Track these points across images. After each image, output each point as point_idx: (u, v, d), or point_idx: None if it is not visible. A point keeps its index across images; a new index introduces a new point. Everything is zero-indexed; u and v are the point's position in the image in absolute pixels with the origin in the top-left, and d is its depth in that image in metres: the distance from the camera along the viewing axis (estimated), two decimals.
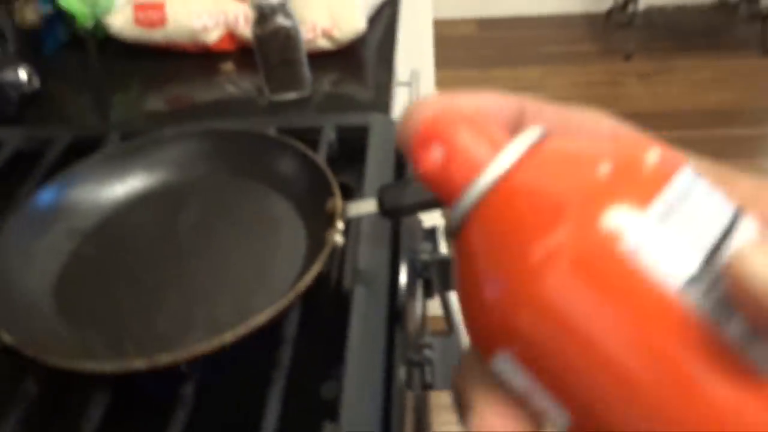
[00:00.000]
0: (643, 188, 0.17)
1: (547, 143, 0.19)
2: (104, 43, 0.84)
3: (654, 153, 0.18)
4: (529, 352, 0.17)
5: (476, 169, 0.19)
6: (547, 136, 0.19)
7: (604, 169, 0.17)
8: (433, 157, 0.19)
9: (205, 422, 0.42)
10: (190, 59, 0.82)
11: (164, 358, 0.38)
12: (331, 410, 0.42)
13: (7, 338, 0.40)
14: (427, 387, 0.52)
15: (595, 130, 0.22)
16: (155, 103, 0.78)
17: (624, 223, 0.16)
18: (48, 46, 0.84)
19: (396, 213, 0.47)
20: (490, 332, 0.18)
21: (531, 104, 0.23)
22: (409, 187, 0.47)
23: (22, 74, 0.69)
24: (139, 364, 0.38)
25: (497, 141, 0.19)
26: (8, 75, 0.68)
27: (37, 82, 0.71)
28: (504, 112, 0.22)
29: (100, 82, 0.82)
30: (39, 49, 0.83)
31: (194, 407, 0.41)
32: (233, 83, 0.79)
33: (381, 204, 0.46)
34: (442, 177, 0.19)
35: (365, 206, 0.48)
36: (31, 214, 0.49)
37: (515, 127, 0.22)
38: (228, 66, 0.81)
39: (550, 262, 0.17)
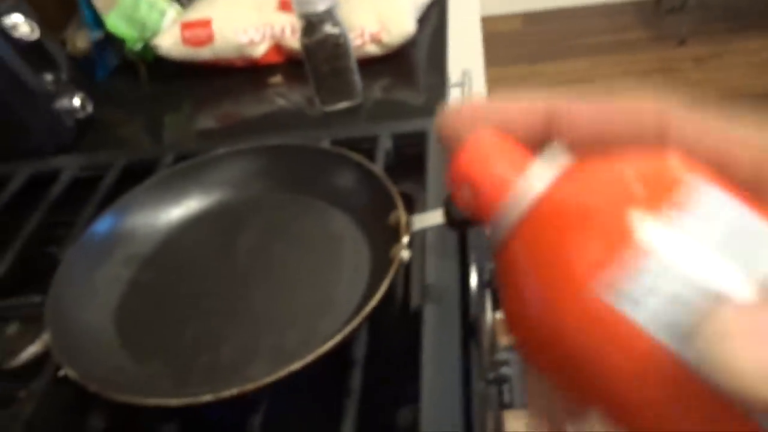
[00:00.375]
0: (668, 202, 0.17)
1: (574, 162, 0.20)
2: (153, 64, 0.84)
3: (680, 166, 0.18)
4: (578, 371, 0.18)
5: (504, 198, 0.20)
6: (573, 151, 0.20)
7: (633, 185, 0.18)
8: (464, 195, 0.21)
9: None
10: (238, 75, 0.81)
11: (231, 391, 0.36)
12: None
13: (72, 374, 0.38)
14: (504, 406, 0.49)
15: (637, 122, 0.20)
16: (206, 121, 0.78)
17: (652, 240, 0.17)
18: (99, 72, 0.85)
19: (465, 224, 0.44)
20: (537, 346, 0.19)
21: (562, 105, 0.21)
22: None
23: (77, 101, 0.69)
24: (206, 398, 0.36)
25: (521, 164, 0.20)
26: (63, 102, 0.68)
27: (90, 108, 0.71)
28: (532, 118, 0.21)
29: (151, 105, 0.82)
30: (91, 76, 0.84)
31: None
32: (283, 96, 0.77)
33: (448, 215, 0.44)
34: (477, 210, 0.21)
35: (431, 218, 0.45)
36: (88, 244, 0.48)
37: (547, 131, 0.21)
38: (277, 79, 0.79)
39: (587, 280, 0.17)
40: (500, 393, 0.49)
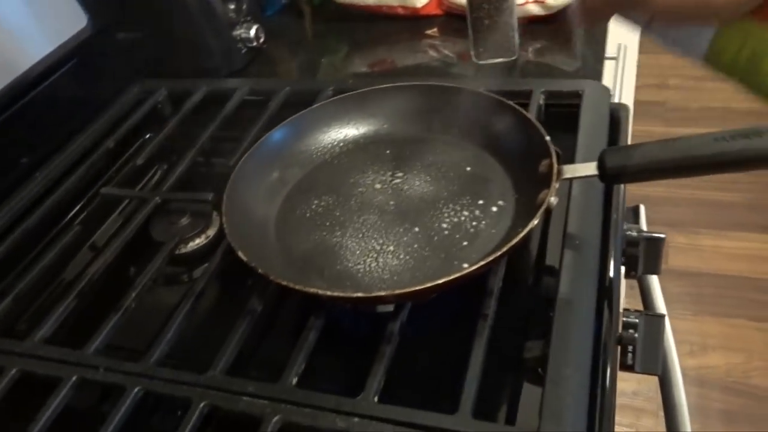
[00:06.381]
0: None
1: None
2: (317, 7, 0.89)
3: None
4: None
5: None
6: None
7: None
8: None
9: (407, 364, 0.43)
10: (396, 23, 0.84)
11: (380, 292, 0.40)
12: (531, 370, 0.42)
13: (243, 257, 0.43)
14: (627, 369, 0.49)
15: None
16: (361, 65, 0.81)
17: None
18: (269, 9, 0.91)
19: (618, 177, 0.45)
20: None
21: None
22: (635, 150, 0.44)
23: (253, 32, 0.75)
24: (358, 294, 0.40)
25: None
26: (241, 31, 0.74)
27: (263, 40, 0.77)
28: None
29: (311, 44, 0.87)
30: (263, 11, 0.90)
31: (398, 351, 0.42)
32: (437, 48, 0.79)
33: (602, 166, 0.44)
34: None
35: (583, 169, 0.46)
36: (262, 150, 0.53)
37: None
38: (434, 30, 0.82)
39: None
40: (624, 354, 0.49)
